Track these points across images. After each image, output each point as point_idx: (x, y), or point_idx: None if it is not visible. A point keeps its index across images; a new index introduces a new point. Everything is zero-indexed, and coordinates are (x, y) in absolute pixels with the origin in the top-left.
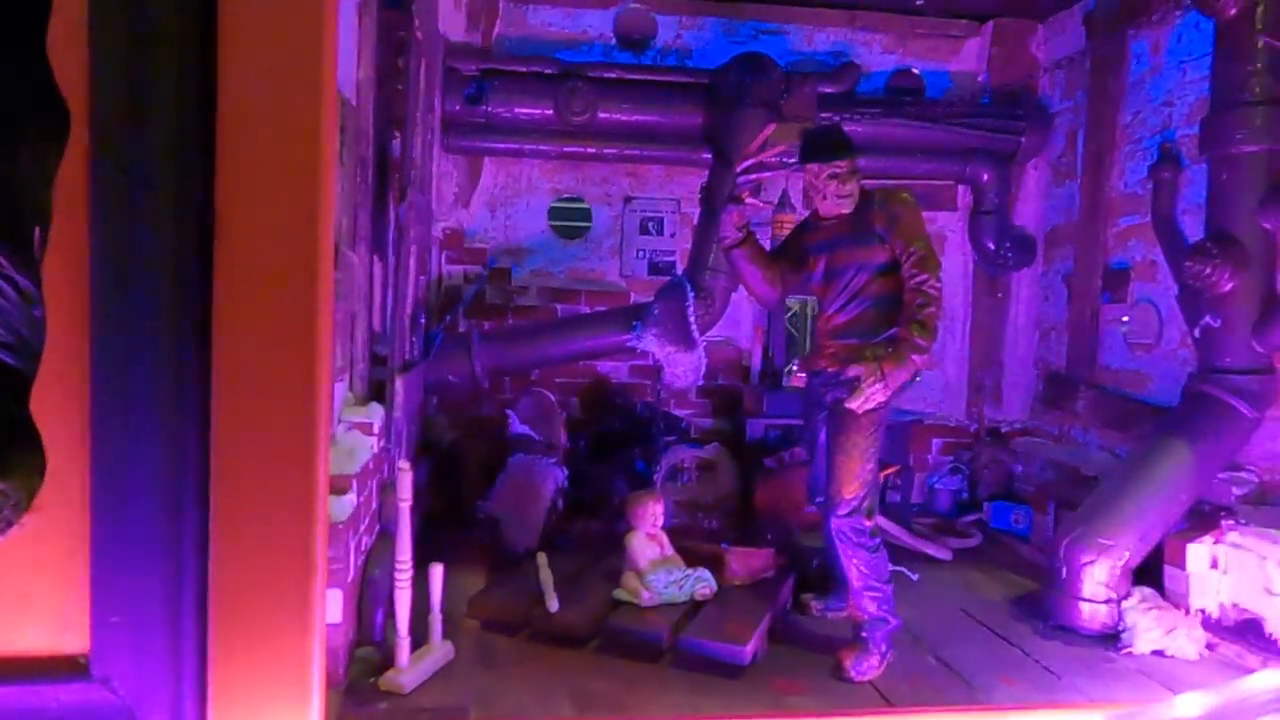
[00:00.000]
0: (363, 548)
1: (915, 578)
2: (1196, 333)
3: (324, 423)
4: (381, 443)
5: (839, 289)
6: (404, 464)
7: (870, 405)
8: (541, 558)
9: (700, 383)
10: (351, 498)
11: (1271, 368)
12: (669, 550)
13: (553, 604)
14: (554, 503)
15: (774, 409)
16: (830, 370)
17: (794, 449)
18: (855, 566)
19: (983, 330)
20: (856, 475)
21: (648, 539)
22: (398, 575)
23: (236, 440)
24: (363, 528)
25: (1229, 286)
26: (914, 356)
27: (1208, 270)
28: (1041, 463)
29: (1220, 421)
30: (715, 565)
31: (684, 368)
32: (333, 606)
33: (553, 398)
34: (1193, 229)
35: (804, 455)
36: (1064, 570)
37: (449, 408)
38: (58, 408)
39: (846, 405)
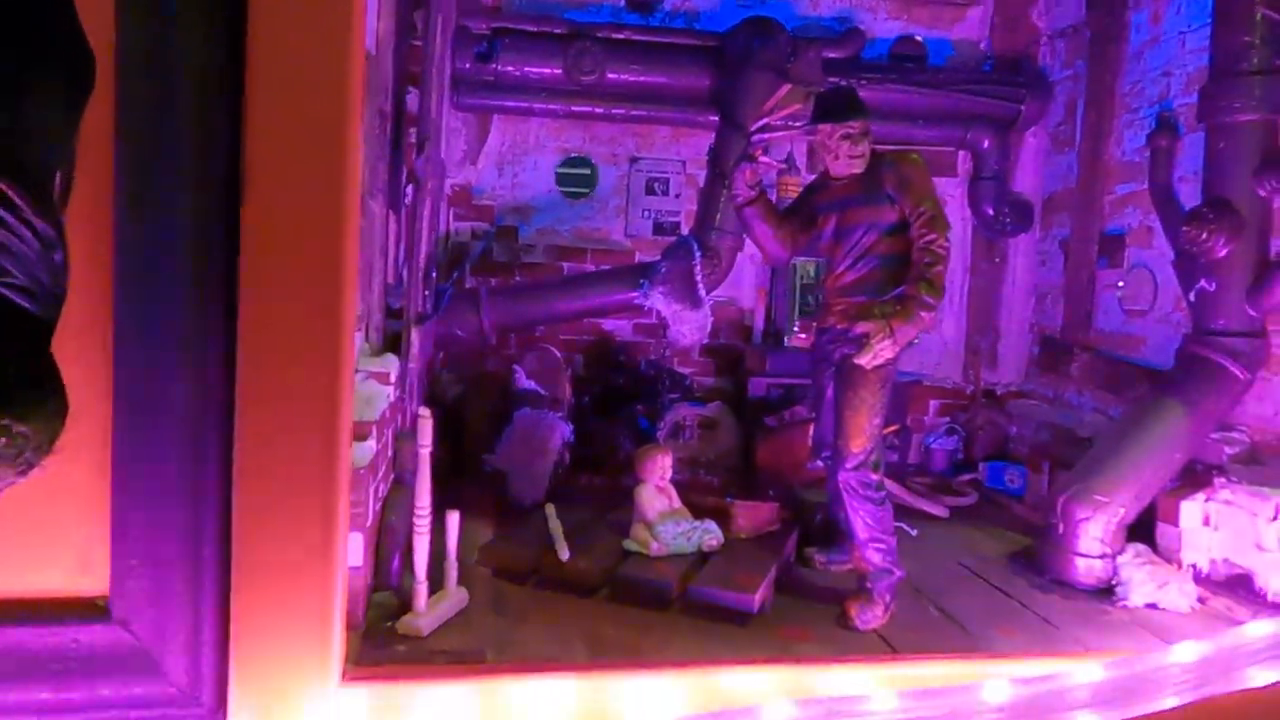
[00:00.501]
0: (380, 495)
1: (915, 533)
2: (1191, 296)
3: (348, 368)
4: (397, 392)
5: (848, 248)
6: (424, 411)
7: (878, 361)
8: (550, 508)
9: (706, 341)
10: (371, 444)
11: (1264, 330)
12: (677, 503)
13: (564, 553)
14: (560, 456)
15: (776, 368)
16: (839, 327)
17: (794, 408)
18: (861, 519)
19: (980, 294)
20: (864, 429)
21: (657, 491)
22: (416, 521)
23: (261, 385)
24: (381, 474)
25: (1224, 251)
26: (922, 314)
27: (1204, 235)
28: (1036, 424)
29: (1214, 382)
30: (721, 518)
31: (690, 325)
32: (353, 550)
33: (558, 354)
34: (1189, 196)
35: (804, 414)
36: (1061, 526)
37: (453, 363)
38: (81, 352)
39: (855, 361)
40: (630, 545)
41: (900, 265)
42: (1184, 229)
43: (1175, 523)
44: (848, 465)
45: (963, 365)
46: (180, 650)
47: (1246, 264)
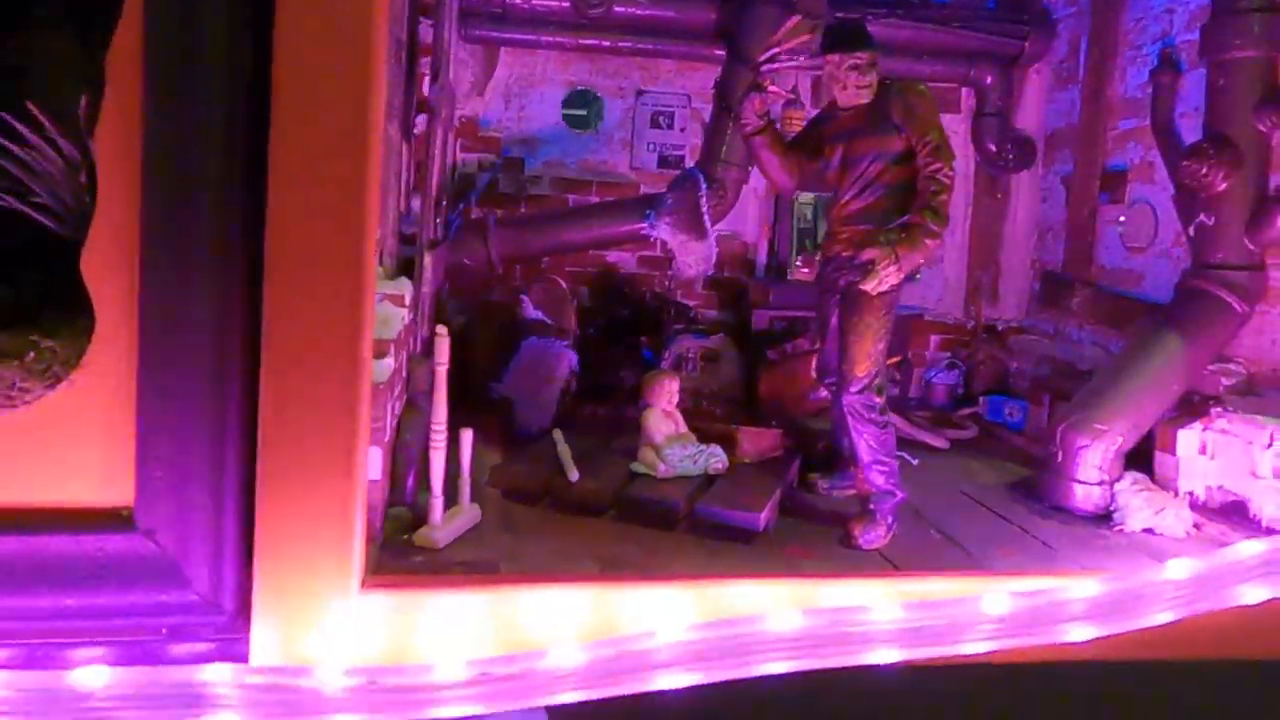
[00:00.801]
0: (396, 413)
1: (916, 462)
2: (1191, 231)
3: (370, 286)
4: (411, 315)
5: (854, 177)
6: (441, 329)
7: (883, 287)
8: (558, 433)
9: (711, 272)
10: (390, 361)
11: (1262, 264)
12: (683, 427)
13: (573, 474)
14: (567, 384)
15: (779, 301)
16: (844, 255)
17: (796, 340)
18: (865, 441)
19: (982, 230)
20: (869, 354)
21: (664, 415)
22: (433, 436)
23: (286, 300)
24: (396, 393)
25: (1223, 186)
26: (926, 240)
27: (1204, 170)
28: (1036, 359)
29: (1212, 315)
30: (726, 444)
31: (696, 256)
32: (373, 464)
33: (564, 285)
34: (1190, 132)
35: (806, 346)
36: (1060, 454)
37: (459, 293)
38: (109, 269)
39: (860, 287)
40: (638, 467)
41: (905, 194)
42: (1184, 164)
43: (1173, 451)
44: (852, 389)
45: (964, 301)
46: (203, 559)
47: (1245, 199)
